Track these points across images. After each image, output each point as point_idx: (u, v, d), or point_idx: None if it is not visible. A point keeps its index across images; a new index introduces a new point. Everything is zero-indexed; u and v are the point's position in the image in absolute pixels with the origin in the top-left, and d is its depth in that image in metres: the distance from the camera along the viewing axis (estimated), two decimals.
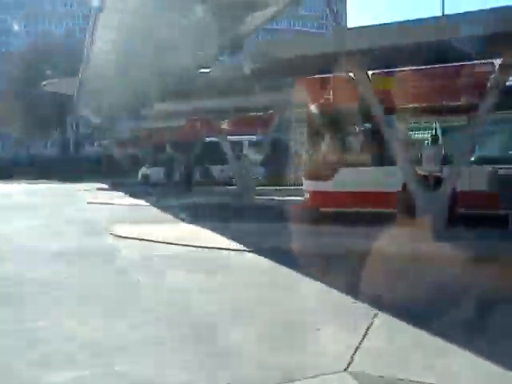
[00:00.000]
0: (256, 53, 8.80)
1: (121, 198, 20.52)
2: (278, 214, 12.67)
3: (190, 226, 11.04)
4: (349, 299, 5.16)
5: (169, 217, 13.22)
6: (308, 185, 11.83)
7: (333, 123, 10.99)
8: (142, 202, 18.14)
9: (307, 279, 6.05)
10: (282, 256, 7.30)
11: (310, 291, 5.62)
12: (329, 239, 8.64)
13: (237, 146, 27.64)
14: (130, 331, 4.42)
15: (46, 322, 4.74)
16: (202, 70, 18.12)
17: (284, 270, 6.68)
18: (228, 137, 28.62)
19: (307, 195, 11.85)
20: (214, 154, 26.87)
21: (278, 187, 21.33)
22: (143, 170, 30.22)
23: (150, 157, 29.88)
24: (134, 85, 23.08)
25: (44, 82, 38.13)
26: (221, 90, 14.52)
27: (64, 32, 62.23)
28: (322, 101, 9.49)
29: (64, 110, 45.58)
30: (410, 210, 10.34)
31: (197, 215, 12.99)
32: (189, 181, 23.85)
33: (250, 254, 7.70)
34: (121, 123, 35.38)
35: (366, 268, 6.14)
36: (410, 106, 9.33)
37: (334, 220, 10.57)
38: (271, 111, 18.74)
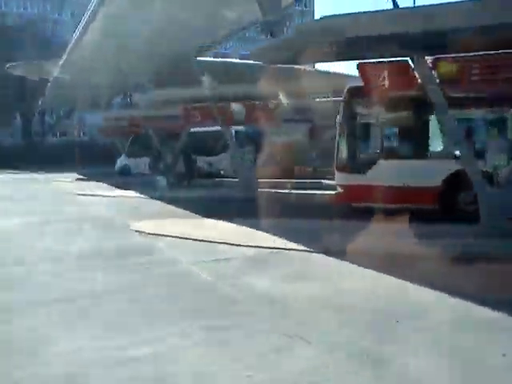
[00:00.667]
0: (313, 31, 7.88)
1: (111, 190, 19.18)
2: (307, 208, 11.93)
3: (220, 222, 10.07)
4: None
5: (183, 211, 12.17)
6: (340, 178, 11.08)
7: (377, 110, 10.27)
8: (136, 194, 16.92)
9: (416, 286, 5.33)
10: (361, 258, 6.53)
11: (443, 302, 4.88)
12: (392, 239, 7.90)
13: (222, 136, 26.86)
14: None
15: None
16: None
17: (378, 275, 5.90)
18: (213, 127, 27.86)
19: (339, 189, 11.11)
20: (199, 144, 25.99)
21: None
22: (122, 160, 28.74)
23: (131, 146, 28.40)
24: (124, 71, 21.72)
25: (8, 65, 35.76)
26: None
27: (36, 15, 58.78)
28: (374, 86, 8.72)
29: (29, 96, 43.06)
30: (450, 207, 9.90)
31: (214, 210, 12.03)
32: (189, 173, 22.57)
33: (325, 256, 6.87)
34: (96, 112, 33.79)
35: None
36: (475, 94, 8.73)
37: (372, 216, 9.87)
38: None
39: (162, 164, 24.30)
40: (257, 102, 17.41)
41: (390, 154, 10.69)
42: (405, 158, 10.29)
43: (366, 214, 9.76)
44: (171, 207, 13.23)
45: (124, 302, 5.17)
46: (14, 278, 6.19)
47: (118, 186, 20.48)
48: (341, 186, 11.06)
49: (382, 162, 10.53)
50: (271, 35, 11.59)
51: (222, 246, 7.78)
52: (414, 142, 10.34)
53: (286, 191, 16.35)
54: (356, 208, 10.81)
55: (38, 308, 4.94)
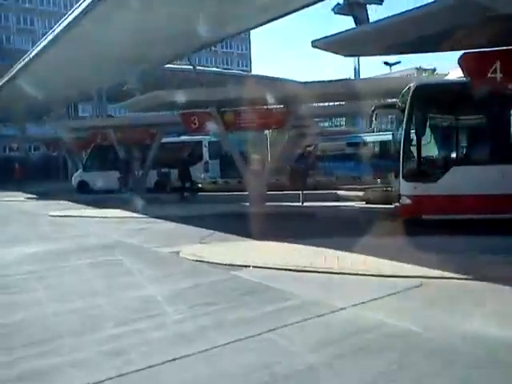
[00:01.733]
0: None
1: (87, 209, 16.62)
2: (360, 223, 10.43)
3: (286, 244, 8.27)
4: None
5: (213, 232, 10.18)
6: (408, 188, 9.70)
7: (455, 108, 9.04)
8: (127, 212, 14.58)
9: None
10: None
11: None
12: None
13: (197, 146, 24.83)
14: None
15: None
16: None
17: None
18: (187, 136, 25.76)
19: (406, 200, 9.73)
20: (171, 156, 23.85)
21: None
22: (78, 176, 25.79)
23: (89, 160, 25.52)
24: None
25: None
26: None
27: None
28: (481, 78, 7.45)
29: None
30: None
31: (248, 228, 10.24)
32: (185, 186, 20.27)
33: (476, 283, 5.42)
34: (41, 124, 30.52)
35: None
36: None
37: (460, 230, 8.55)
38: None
39: (130, 178, 21.89)
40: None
41: (472, 158, 9.54)
42: (491, 162, 9.13)
43: (445, 228, 8.53)
44: (191, 228, 11.23)
45: None
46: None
47: (90, 204, 17.96)
48: (408, 196, 9.68)
49: (459, 168, 9.32)
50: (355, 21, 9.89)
51: (349, 277, 6.11)
52: (494, 144, 9.22)
53: (299, 204, 14.85)
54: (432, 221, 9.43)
55: None
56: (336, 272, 6.42)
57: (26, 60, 22.04)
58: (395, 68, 43.62)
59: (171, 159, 23.49)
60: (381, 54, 9.90)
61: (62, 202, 20.58)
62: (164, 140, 22.73)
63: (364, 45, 8.36)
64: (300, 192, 14.87)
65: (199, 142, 24.20)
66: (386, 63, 43.17)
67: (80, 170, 25.88)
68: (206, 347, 4.06)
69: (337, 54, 9.40)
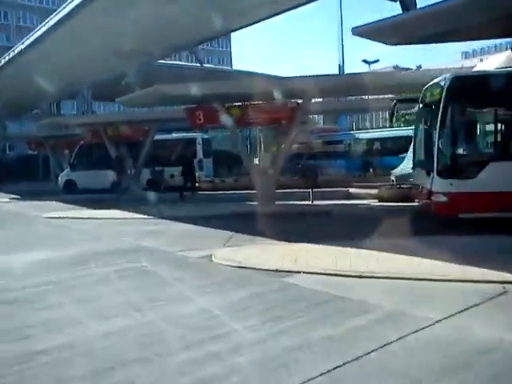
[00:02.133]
0: None
1: (83, 210, 15.69)
2: (394, 222, 9.88)
3: (337, 248, 7.61)
4: None
5: (236, 234, 9.52)
6: (442, 184, 9.17)
7: (494, 100, 8.53)
8: (130, 213, 13.73)
9: None
10: None
11: None
12: None
13: (190, 143, 23.97)
14: None
15: None
16: None
17: None
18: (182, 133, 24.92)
19: (441, 197, 9.20)
20: (164, 154, 23.03)
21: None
22: (65, 175, 24.69)
23: (76, 159, 24.40)
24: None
25: None
26: None
27: None
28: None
29: None
30: None
31: (274, 230, 9.59)
32: (186, 185, 19.45)
33: None
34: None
35: None
36: None
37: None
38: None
39: (124, 177, 20.95)
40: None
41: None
42: None
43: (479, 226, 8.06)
44: (206, 229, 10.52)
45: None
46: None
47: (82, 205, 17.05)
48: (444, 193, 9.16)
49: (499, 164, 8.80)
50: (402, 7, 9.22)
51: (418, 283, 5.52)
52: None
53: (308, 203, 14.24)
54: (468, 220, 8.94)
55: None
56: (401, 277, 5.82)
57: (18, 51, 20.92)
58: (374, 66, 43.41)
59: (163, 157, 22.77)
60: (428, 42, 9.33)
61: (49, 202, 19.59)
62: (156, 137, 21.88)
63: (411, 31, 7.72)
64: (309, 190, 14.27)
65: (193, 140, 23.41)
66: (365, 61, 42.71)
67: (67, 169, 24.80)
68: (308, 376, 3.40)
69: (379, 41, 8.79)
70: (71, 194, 22.71)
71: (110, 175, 22.06)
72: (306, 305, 4.97)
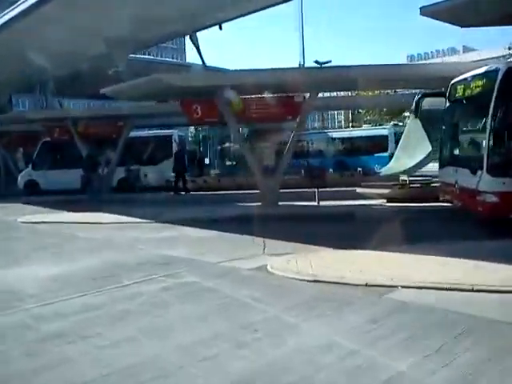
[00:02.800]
0: None
1: (62, 214, 14.07)
2: (434, 224, 9.18)
3: (377, 253, 6.75)
4: None
5: (264, 240, 8.47)
6: (494, 183, 8.50)
7: None
8: (114, 217, 12.32)
9: None
10: None
11: None
12: None
13: (166, 141, 22.45)
14: None
15: None
16: None
17: None
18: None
19: (492, 197, 8.54)
20: (138, 151, 21.51)
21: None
22: (26, 174, 22.54)
23: (39, 157, 22.30)
24: None
25: None
26: None
27: None
28: None
29: None
30: None
31: (293, 234, 8.71)
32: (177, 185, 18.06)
33: None
34: None
35: None
36: None
37: None
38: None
39: (96, 177, 19.22)
40: None
41: None
42: None
43: None
44: (226, 234, 9.41)
45: None
46: None
47: (54, 207, 15.47)
48: (495, 193, 8.50)
49: None
50: None
51: None
52: None
53: (314, 204, 13.34)
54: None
55: None
56: None
57: None
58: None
59: (136, 155, 21.25)
60: (501, 24, 8.69)
61: (14, 205, 17.70)
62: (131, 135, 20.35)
63: (483, 13, 6.97)
64: (315, 190, 13.36)
65: (168, 137, 21.96)
66: (317, 62, 42.16)
67: (28, 169, 22.65)
68: None
69: (450, 23, 8.00)
70: (33, 195, 20.74)
71: (78, 175, 20.30)
72: (454, 333, 4.00)
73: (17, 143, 26.31)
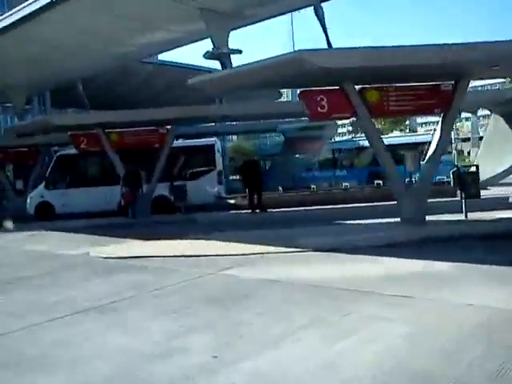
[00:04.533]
0: None
1: (133, 242, 10.79)
2: None
3: None
4: None
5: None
6: None
7: None
8: (251, 247, 9.22)
9: None
10: None
11: None
12: None
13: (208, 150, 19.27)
14: None
15: None
16: None
17: None
18: None
19: None
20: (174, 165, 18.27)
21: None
22: (37, 195, 18.65)
23: (52, 173, 18.57)
24: None
25: None
26: None
27: None
28: None
29: None
30: None
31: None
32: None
33: None
34: None
35: None
36: None
37: None
38: None
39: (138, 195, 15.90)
40: None
41: None
42: None
43: None
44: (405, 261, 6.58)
45: None
46: None
47: (95, 234, 12.22)
48: None
49: None
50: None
51: None
52: None
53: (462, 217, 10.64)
54: None
55: None
56: None
57: None
58: None
59: (175, 169, 18.08)
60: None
61: (39, 232, 14.23)
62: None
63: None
64: (463, 200, 10.67)
65: (210, 146, 18.79)
66: None
67: (39, 188, 18.84)
68: None
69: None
70: (49, 220, 17.14)
71: (107, 193, 16.93)
72: None
73: (10, 160, 22.45)
